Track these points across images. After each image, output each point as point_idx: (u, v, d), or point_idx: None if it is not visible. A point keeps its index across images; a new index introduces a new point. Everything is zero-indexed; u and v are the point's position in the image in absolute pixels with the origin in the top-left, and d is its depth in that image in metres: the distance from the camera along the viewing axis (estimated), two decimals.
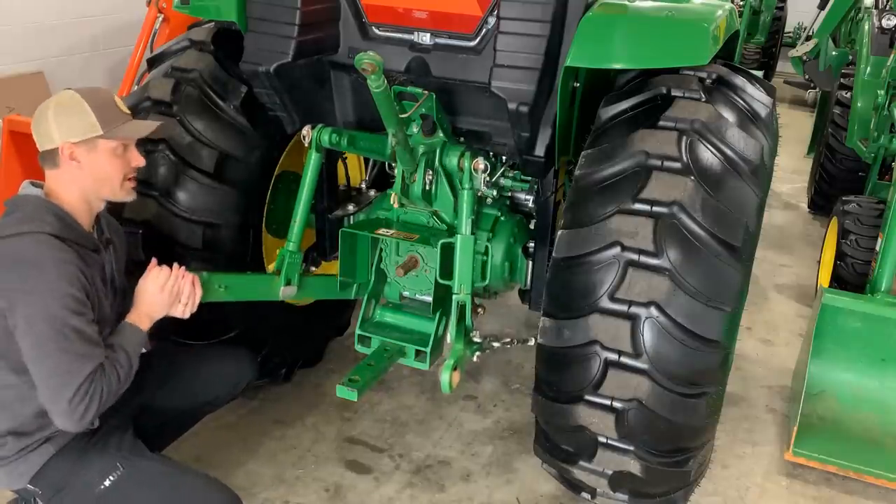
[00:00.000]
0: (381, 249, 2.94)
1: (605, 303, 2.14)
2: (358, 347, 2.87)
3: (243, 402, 3.26)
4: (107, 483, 2.13)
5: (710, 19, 2.33)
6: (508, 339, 2.92)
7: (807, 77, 8.36)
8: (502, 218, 2.90)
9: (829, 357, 3.20)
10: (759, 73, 3.77)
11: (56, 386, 1.93)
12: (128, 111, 2.14)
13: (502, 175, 2.86)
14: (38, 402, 2.04)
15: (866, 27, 5.41)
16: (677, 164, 2.17)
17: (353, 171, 3.56)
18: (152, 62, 2.97)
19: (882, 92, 4.68)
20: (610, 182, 2.23)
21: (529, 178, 2.90)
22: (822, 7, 7.84)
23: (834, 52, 7.06)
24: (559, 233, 2.28)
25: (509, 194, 3.02)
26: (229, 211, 2.74)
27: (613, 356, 2.15)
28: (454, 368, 2.52)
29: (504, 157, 2.81)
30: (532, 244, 2.95)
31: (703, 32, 2.28)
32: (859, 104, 5.03)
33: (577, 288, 2.19)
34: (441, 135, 2.62)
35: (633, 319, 2.11)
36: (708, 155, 2.21)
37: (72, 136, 2.04)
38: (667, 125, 2.25)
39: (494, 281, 2.93)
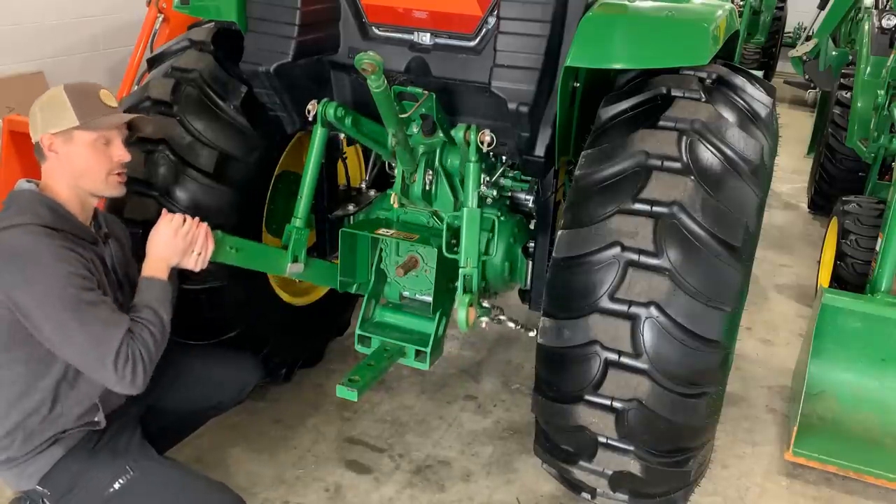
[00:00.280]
0: (381, 249, 2.94)
1: (605, 303, 2.14)
2: (358, 347, 2.88)
3: (244, 403, 3.24)
4: (116, 486, 2.13)
5: (710, 19, 2.33)
6: (515, 318, 2.91)
7: (807, 77, 8.36)
8: (502, 218, 2.90)
9: (829, 357, 3.20)
10: (759, 73, 3.77)
11: (94, 361, 1.95)
12: (114, 105, 2.13)
13: (502, 175, 2.86)
14: (42, 395, 2.06)
15: (866, 27, 5.41)
16: (677, 164, 2.17)
17: (353, 171, 3.56)
18: (152, 62, 2.97)
19: (882, 92, 4.68)
20: (610, 182, 2.23)
21: (529, 178, 2.90)
22: (822, 7, 7.85)
23: (834, 52, 7.07)
24: (559, 233, 2.28)
25: (509, 194, 3.02)
26: (229, 211, 2.74)
27: (613, 356, 2.15)
28: (470, 305, 2.50)
29: (504, 157, 2.81)
30: (532, 244, 2.95)
31: (703, 32, 2.28)
32: (859, 104, 5.03)
33: (577, 288, 2.19)
34: (441, 135, 2.62)
35: (633, 319, 2.11)
36: (708, 155, 2.21)
37: (49, 127, 2.08)
38: (667, 125, 2.25)
39: (494, 281, 2.93)
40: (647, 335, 2.10)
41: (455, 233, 2.64)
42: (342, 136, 3.07)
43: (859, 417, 3.14)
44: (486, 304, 2.72)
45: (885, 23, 5.21)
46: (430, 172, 2.71)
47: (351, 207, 3.32)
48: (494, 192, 2.81)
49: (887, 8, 5.51)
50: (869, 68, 5.11)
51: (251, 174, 2.82)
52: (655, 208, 2.13)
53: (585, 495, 2.54)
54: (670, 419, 2.17)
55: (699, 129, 2.23)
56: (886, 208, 3.53)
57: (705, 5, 2.54)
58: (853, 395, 3.18)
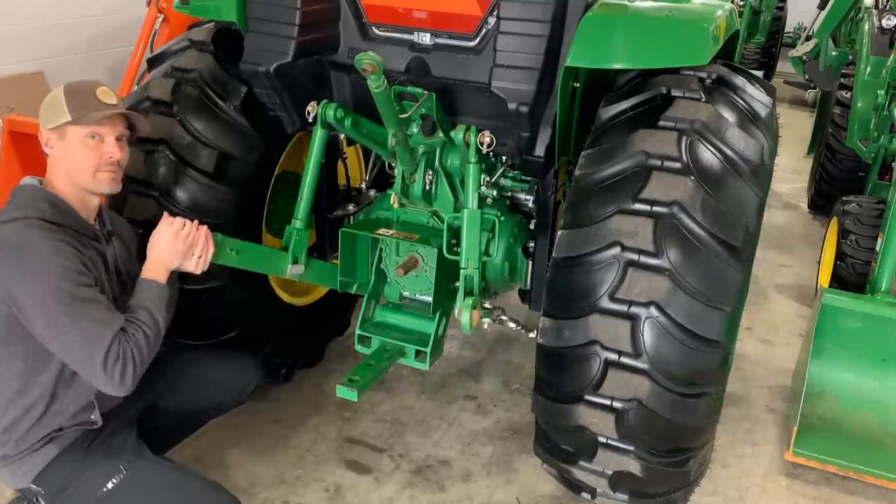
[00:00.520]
0: (381, 249, 2.94)
1: (605, 303, 2.14)
2: (358, 347, 2.88)
3: (244, 403, 3.25)
4: (110, 485, 2.13)
5: (710, 19, 2.33)
6: (516, 319, 2.91)
7: (807, 77, 8.35)
8: (502, 218, 2.90)
9: (829, 357, 3.20)
10: (759, 73, 3.77)
11: (84, 358, 1.94)
12: (111, 102, 2.12)
13: (502, 175, 2.86)
14: (39, 391, 2.06)
15: (866, 27, 5.41)
16: (677, 164, 2.17)
17: (353, 171, 3.56)
18: (152, 62, 2.97)
19: (882, 92, 4.68)
20: (610, 182, 2.23)
21: (529, 178, 2.90)
22: (822, 7, 7.84)
23: (834, 52, 7.06)
24: (559, 233, 2.28)
25: (509, 194, 3.02)
26: (229, 211, 2.74)
27: (613, 356, 2.15)
28: (473, 307, 2.51)
29: (504, 157, 2.81)
30: (532, 244, 2.95)
31: (703, 32, 2.28)
32: (859, 104, 5.03)
33: (577, 288, 2.19)
34: (441, 135, 2.62)
35: (633, 319, 2.11)
36: (708, 155, 2.21)
37: (47, 123, 2.11)
38: (667, 125, 2.25)
39: (494, 281, 2.93)
40: (647, 335, 2.10)
41: (455, 234, 2.64)
42: (342, 136, 3.07)
43: (859, 417, 3.14)
44: (487, 305, 2.72)
45: (885, 23, 5.21)
46: (430, 172, 2.71)
47: (351, 207, 3.32)
48: (494, 193, 2.81)
49: (887, 8, 5.51)
50: (869, 68, 5.10)
51: (251, 174, 2.82)
52: (655, 208, 2.13)
53: (585, 495, 2.54)
54: (670, 419, 2.17)
55: (699, 129, 2.23)
56: (886, 208, 3.53)
57: (705, 5, 2.54)
58: (853, 395, 3.18)
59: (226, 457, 3.00)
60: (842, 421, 3.15)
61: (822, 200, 5.57)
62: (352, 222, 3.24)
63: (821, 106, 6.45)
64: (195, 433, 2.72)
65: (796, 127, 7.79)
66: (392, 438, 3.16)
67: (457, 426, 3.26)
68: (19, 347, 2.02)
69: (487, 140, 2.51)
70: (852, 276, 3.88)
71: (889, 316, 3.13)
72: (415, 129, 2.64)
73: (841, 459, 2.96)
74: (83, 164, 2.11)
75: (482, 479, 2.96)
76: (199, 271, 2.28)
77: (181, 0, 2.75)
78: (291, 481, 2.90)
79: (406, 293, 3.03)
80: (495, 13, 2.40)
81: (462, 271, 2.57)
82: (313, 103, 2.60)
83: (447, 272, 2.80)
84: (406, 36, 2.61)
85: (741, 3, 8.68)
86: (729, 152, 2.24)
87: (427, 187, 2.71)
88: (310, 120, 2.62)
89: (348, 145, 3.29)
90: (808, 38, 8.36)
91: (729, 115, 2.32)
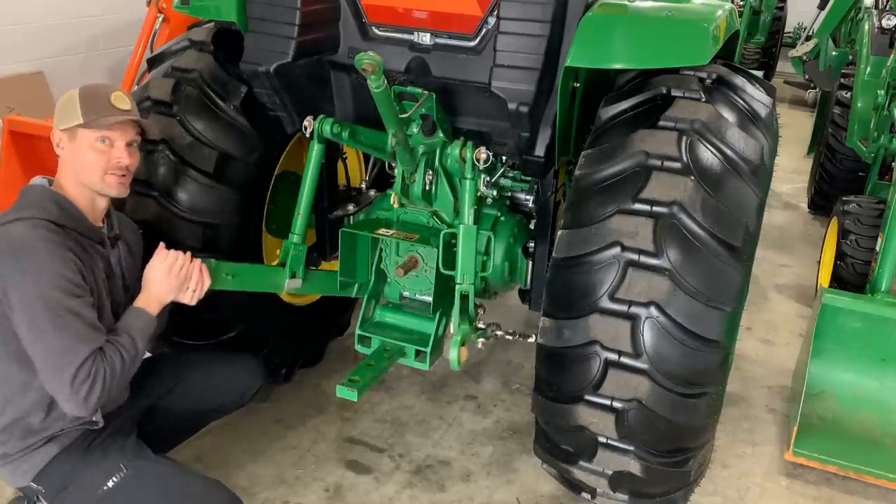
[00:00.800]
0: (381, 249, 2.94)
1: (605, 303, 2.14)
2: (358, 347, 2.88)
3: None
4: (110, 484, 2.13)
5: (710, 19, 2.33)
6: (512, 331, 2.92)
7: (807, 77, 8.35)
8: (502, 218, 2.90)
9: (829, 357, 3.20)
10: (759, 73, 3.77)
11: (55, 368, 1.93)
12: (124, 107, 2.14)
13: (502, 175, 2.86)
14: (38, 395, 2.05)
15: (866, 27, 5.41)
16: (677, 164, 2.17)
17: (353, 171, 3.56)
18: (152, 62, 2.97)
19: (882, 92, 4.68)
20: (610, 182, 2.23)
21: (529, 178, 2.90)
22: (822, 7, 7.84)
23: (834, 52, 7.06)
24: (559, 233, 2.28)
25: (509, 194, 3.02)
26: (229, 211, 2.74)
27: (613, 356, 2.15)
28: (462, 344, 2.53)
29: (504, 157, 2.81)
30: (532, 244, 2.95)
31: (703, 32, 2.28)
32: (859, 104, 5.03)
33: (577, 288, 2.19)
34: (441, 135, 2.62)
35: (633, 319, 2.11)
36: (708, 155, 2.21)
37: (60, 124, 2.13)
38: (667, 125, 2.25)
39: (494, 281, 2.93)
40: (647, 335, 2.10)
41: (451, 248, 2.63)
42: None
43: (859, 417, 3.14)
44: (481, 324, 2.72)
45: (885, 23, 5.21)
46: (430, 172, 2.71)
47: (351, 207, 3.32)
48: (494, 192, 2.81)
49: (887, 8, 5.51)
50: (869, 68, 5.10)
51: (251, 174, 2.82)
52: (655, 208, 2.13)
53: (585, 495, 2.55)
54: (670, 419, 2.17)
55: (699, 129, 2.23)
56: (886, 208, 3.54)
57: (705, 5, 2.54)
58: (853, 395, 3.18)
59: (226, 456, 3.00)
60: (842, 421, 3.15)
61: (822, 200, 5.57)
62: (352, 222, 3.24)
63: (821, 106, 6.44)
64: (196, 434, 2.72)
65: (796, 127, 7.79)
66: (392, 438, 3.16)
67: (457, 426, 3.26)
68: (14, 347, 2.01)
69: (484, 156, 2.54)
70: (852, 276, 3.88)
71: (889, 316, 3.13)
72: (415, 129, 2.64)
73: (841, 459, 2.96)
74: (92, 167, 2.12)
75: (482, 479, 2.96)
76: (194, 303, 2.28)
77: (181, 0, 2.75)
78: (291, 481, 2.90)
79: (406, 293, 3.03)
80: (495, 13, 2.40)
81: (457, 287, 2.58)
82: (309, 119, 2.62)
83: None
84: (406, 36, 2.61)
85: (741, 3, 8.68)
86: (729, 152, 2.24)
87: (427, 187, 2.71)
88: (307, 136, 2.64)
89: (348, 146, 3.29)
90: (808, 38, 8.36)
91: (729, 115, 2.31)
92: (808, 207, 5.94)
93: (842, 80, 5.55)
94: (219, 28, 2.88)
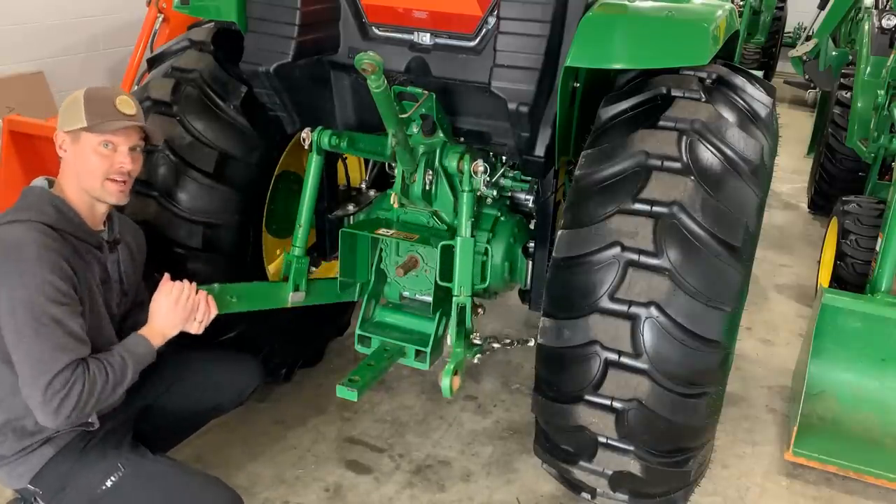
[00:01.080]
0: (381, 249, 2.94)
1: (605, 303, 2.14)
2: (358, 347, 2.88)
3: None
4: (108, 483, 2.13)
5: (710, 19, 2.32)
6: (508, 340, 2.92)
7: (807, 77, 8.35)
8: (502, 218, 2.90)
9: (829, 357, 3.20)
10: (759, 73, 3.77)
11: (31, 374, 1.91)
12: (129, 112, 2.12)
13: (502, 175, 2.86)
14: None
15: (866, 27, 5.41)
16: (677, 164, 2.17)
17: (353, 171, 3.56)
18: (152, 62, 2.97)
19: (882, 92, 4.68)
20: (610, 182, 2.23)
21: (529, 178, 2.90)
22: (822, 7, 7.84)
23: (834, 52, 7.06)
24: (559, 233, 2.28)
25: (509, 194, 3.02)
26: (229, 211, 2.74)
27: (613, 356, 2.15)
28: (455, 373, 2.53)
29: (504, 157, 2.81)
30: (532, 244, 2.95)
31: (703, 32, 2.27)
32: (859, 104, 5.02)
33: (577, 288, 2.19)
34: (441, 135, 2.62)
35: (633, 319, 2.11)
36: (708, 155, 2.21)
37: (64, 126, 2.11)
38: (667, 125, 2.25)
39: (494, 281, 2.93)
40: (647, 335, 2.10)
41: (449, 260, 2.63)
42: None
43: (859, 417, 3.14)
44: (477, 340, 2.72)
45: (885, 23, 5.21)
46: (430, 172, 2.71)
47: (351, 207, 3.32)
48: (494, 192, 2.81)
49: (887, 8, 5.51)
50: (869, 68, 5.10)
51: (251, 174, 2.82)
52: (655, 208, 2.13)
53: (585, 495, 2.55)
54: (670, 419, 2.17)
55: (699, 129, 2.23)
56: (886, 208, 3.53)
57: (705, 5, 2.54)
58: (853, 395, 3.18)
59: (226, 456, 3.00)
60: (842, 421, 3.15)
61: (822, 200, 5.57)
62: (352, 222, 3.24)
63: (821, 106, 6.44)
64: (195, 433, 2.72)
65: (796, 127, 7.79)
66: (392, 438, 3.16)
67: (457, 426, 3.26)
68: (4, 348, 2.00)
69: (481, 168, 2.54)
70: (852, 276, 3.88)
71: (889, 316, 3.13)
72: (415, 129, 2.64)
73: (841, 459, 2.96)
74: (94, 171, 2.11)
75: (482, 479, 2.96)
76: (200, 332, 2.27)
77: (181, 0, 2.75)
78: (291, 481, 2.90)
79: (406, 293, 3.03)
80: (495, 13, 2.39)
81: (455, 299, 2.58)
82: (307, 130, 2.63)
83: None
84: (406, 36, 2.61)
85: (741, 3, 8.67)
86: (729, 152, 2.24)
87: (427, 187, 2.71)
88: (305, 147, 2.64)
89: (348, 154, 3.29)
90: (808, 38, 8.36)
91: (729, 115, 2.31)
92: (808, 207, 5.94)
93: (842, 80, 5.55)
94: (219, 28, 2.88)
